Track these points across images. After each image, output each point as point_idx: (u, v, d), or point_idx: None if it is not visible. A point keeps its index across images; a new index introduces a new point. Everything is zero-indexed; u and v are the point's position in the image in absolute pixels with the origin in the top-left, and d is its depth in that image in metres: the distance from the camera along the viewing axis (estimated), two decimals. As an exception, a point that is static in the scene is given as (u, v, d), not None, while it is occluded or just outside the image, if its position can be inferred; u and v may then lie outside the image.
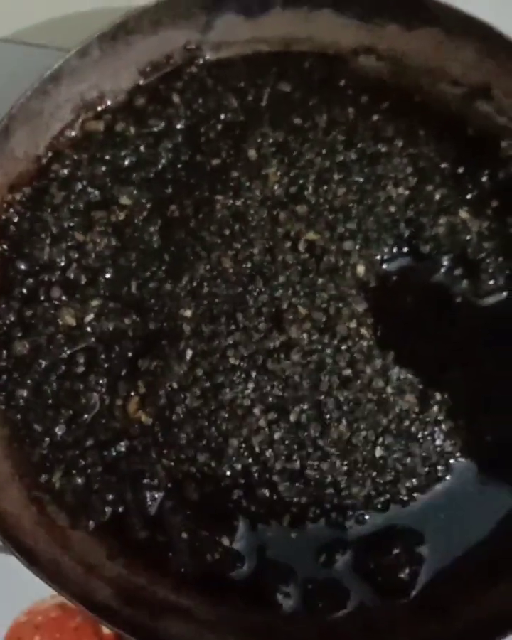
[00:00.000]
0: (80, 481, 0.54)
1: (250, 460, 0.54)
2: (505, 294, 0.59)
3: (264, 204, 0.60)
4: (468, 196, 0.61)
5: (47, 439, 0.55)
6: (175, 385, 0.55)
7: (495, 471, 0.55)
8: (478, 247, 0.60)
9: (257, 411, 0.54)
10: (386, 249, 0.60)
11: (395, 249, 0.60)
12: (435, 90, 0.64)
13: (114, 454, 0.54)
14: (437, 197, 0.61)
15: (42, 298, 0.57)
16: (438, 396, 0.56)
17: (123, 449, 0.54)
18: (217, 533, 0.52)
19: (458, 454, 0.55)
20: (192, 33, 0.64)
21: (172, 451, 0.54)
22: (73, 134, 0.62)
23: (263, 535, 0.53)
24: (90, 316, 0.57)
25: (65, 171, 0.61)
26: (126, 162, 0.61)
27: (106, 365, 0.56)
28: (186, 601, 0.52)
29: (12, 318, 0.57)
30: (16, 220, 0.59)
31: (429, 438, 0.55)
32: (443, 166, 0.62)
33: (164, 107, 0.63)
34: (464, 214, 0.60)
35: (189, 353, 0.55)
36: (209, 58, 0.65)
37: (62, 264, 0.58)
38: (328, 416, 0.54)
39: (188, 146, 0.62)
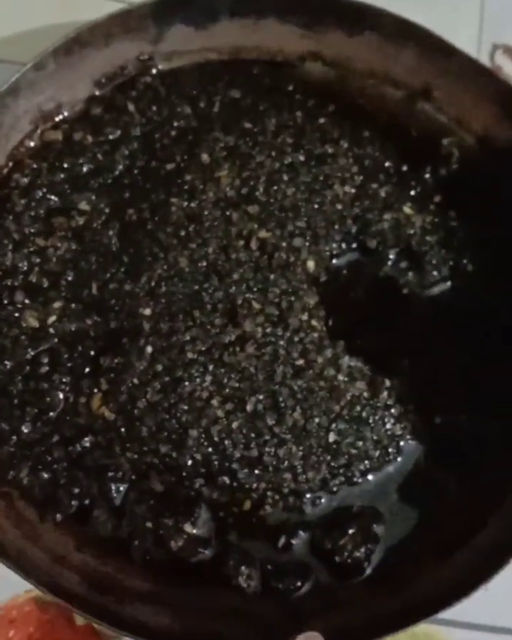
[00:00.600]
0: (46, 476, 0.55)
1: (210, 449, 0.55)
2: (448, 284, 0.62)
3: (217, 205, 0.62)
4: (412, 193, 0.64)
5: (14, 436, 0.56)
6: (136, 381, 0.57)
7: (443, 452, 0.57)
8: (422, 241, 0.62)
9: (215, 402, 0.56)
10: (335, 245, 0.62)
11: (343, 245, 0.62)
12: (378, 93, 0.67)
13: (79, 449, 0.56)
14: (382, 194, 0.64)
15: (5, 302, 0.59)
16: (387, 382, 0.58)
17: (88, 444, 0.56)
18: (180, 521, 0.54)
19: (408, 437, 0.58)
20: (144, 45, 0.66)
21: (135, 444, 0.56)
22: (33, 143, 0.64)
23: (224, 520, 0.55)
24: (53, 318, 0.59)
25: (26, 180, 0.62)
26: (85, 169, 0.63)
27: (69, 364, 0.58)
28: (152, 586, 0.54)
29: (-24, 323, 0.58)
30: (-22, 228, 0.61)
31: (379, 422, 0.57)
32: (387, 164, 0.65)
33: (120, 115, 0.65)
34: (408, 210, 0.63)
35: (149, 349, 0.57)
36: (162, 68, 0.67)
37: (25, 268, 0.60)
38: (283, 405, 0.56)
39: (144, 153, 0.64)
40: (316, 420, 0.56)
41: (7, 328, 0.58)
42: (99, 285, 0.60)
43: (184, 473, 0.55)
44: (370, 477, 0.57)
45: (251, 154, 0.64)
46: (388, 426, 0.57)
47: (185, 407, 0.56)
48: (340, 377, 0.58)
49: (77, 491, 0.55)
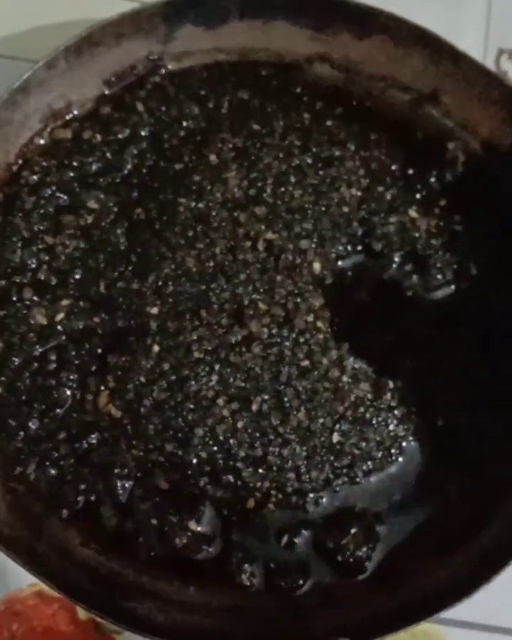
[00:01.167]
0: (53, 472, 0.56)
1: (215, 448, 0.56)
2: (452, 287, 0.63)
3: (224, 206, 0.62)
4: (418, 196, 0.65)
5: (21, 433, 0.56)
6: (142, 379, 0.57)
7: (445, 453, 0.58)
8: (427, 244, 0.63)
9: (220, 401, 0.57)
10: (340, 247, 0.63)
11: (349, 247, 0.63)
12: (386, 96, 0.68)
13: (86, 446, 0.56)
14: (388, 197, 0.64)
15: (14, 299, 0.59)
16: (391, 384, 0.59)
17: (94, 441, 0.56)
18: (185, 518, 0.54)
19: (410, 438, 0.58)
20: (154, 44, 0.66)
21: (141, 441, 0.56)
22: (42, 141, 0.64)
23: (228, 518, 0.56)
24: (61, 315, 0.59)
25: (35, 177, 0.63)
26: (93, 168, 0.64)
27: (76, 362, 0.58)
28: (156, 583, 0.54)
29: (-15, 319, 0.58)
30: (-13, 225, 0.61)
31: (382, 423, 0.58)
32: (393, 167, 0.65)
33: (129, 115, 0.65)
34: (413, 213, 0.64)
35: (156, 348, 0.58)
36: (171, 68, 0.67)
37: (33, 266, 0.60)
38: (287, 405, 0.57)
39: (152, 152, 0.65)
40: (320, 421, 0.57)
41: (15, 325, 0.58)
42: (106, 283, 0.60)
43: (189, 472, 0.56)
44: (372, 477, 0.57)
45: (259, 156, 0.64)
46: (391, 427, 0.58)
47: (191, 406, 0.57)
48: (345, 379, 0.58)
49: (83, 487, 0.56)
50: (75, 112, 0.65)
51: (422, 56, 0.66)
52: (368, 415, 0.58)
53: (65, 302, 0.59)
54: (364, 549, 0.55)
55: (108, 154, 0.64)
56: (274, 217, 0.62)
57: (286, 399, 0.57)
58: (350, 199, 0.63)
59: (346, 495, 0.57)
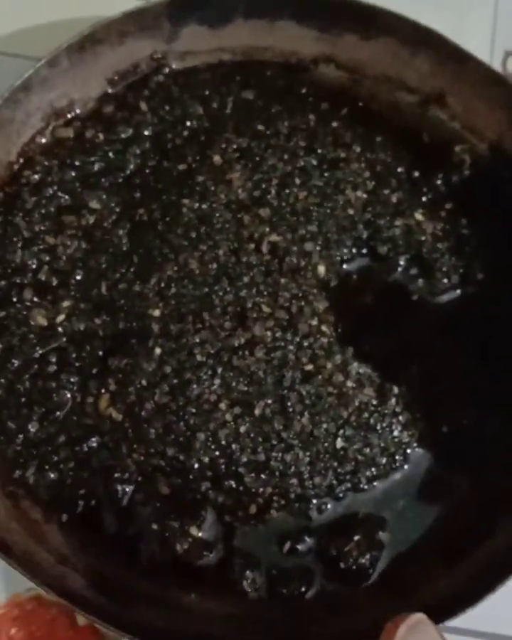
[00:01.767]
0: (53, 476, 0.55)
1: (217, 453, 0.55)
2: (458, 291, 0.62)
3: (228, 207, 0.62)
4: (424, 199, 0.64)
5: (20, 436, 0.56)
6: (144, 382, 0.56)
7: (450, 460, 0.57)
8: (433, 248, 0.62)
9: (223, 406, 0.56)
10: (345, 250, 0.62)
11: (354, 250, 0.62)
12: (392, 98, 0.67)
13: (86, 449, 0.56)
14: (394, 200, 0.64)
15: (14, 300, 0.58)
16: (395, 389, 0.58)
17: (94, 445, 0.56)
18: (186, 524, 0.54)
19: (415, 444, 0.58)
20: (158, 43, 0.66)
21: (142, 445, 0.56)
22: (44, 140, 0.64)
23: (230, 524, 0.55)
24: (61, 317, 0.58)
25: (36, 177, 0.62)
26: (96, 167, 0.63)
27: (77, 364, 0.57)
28: (157, 589, 0.54)
29: (-15, 320, 0.58)
30: (-12, 224, 0.61)
31: (387, 429, 0.57)
32: (399, 170, 0.65)
33: (132, 114, 0.65)
34: (419, 216, 0.63)
35: (157, 351, 0.57)
36: (175, 67, 0.67)
37: (34, 266, 0.60)
38: (291, 410, 0.56)
39: (156, 152, 0.64)
40: (324, 426, 0.57)
41: (15, 326, 0.58)
42: (108, 285, 0.60)
43: (191, 476, 0.55)
44: (376, 484, 0.57)
45: (263, 157, 0.63)
46: (395, 433, 0.58)
47: (193, 410, 0.56)
48: (349, 384, 0.58)
49: (83, 491, 0.55)
50: (78, 111, 0.65)
51: (429, 58, 0.65)
52: (372, 421, 0.57)
53: (66, 303, 0.59)
54: (367, 556, 0.54)
55: (110, 154, 0.64)
56: (279, 219, 0.61)
57: (289, 403, 0.57)
58: (356, 201, 0.63)
59: (350, 501, 0.56)
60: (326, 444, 0.56)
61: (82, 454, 0.56)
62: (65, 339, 0.58)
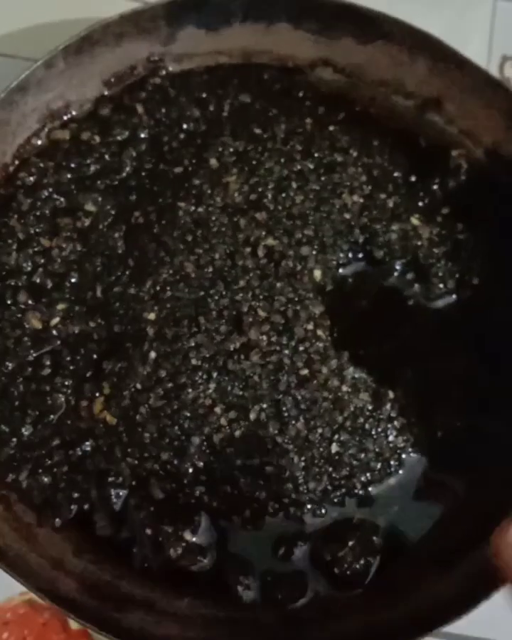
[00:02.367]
0: (46, 479, 0.55)
1: (212, 457, 0.55)
2: (454, 296, 0.62)
3: (225, 211, 0.61)
4: (420, 204, 0.64)
5: (14, 439, 0.55)
6: (139, 386, 0.56)
7: (444, 464, 0.57)
8: (429, 253, 0.62)
9: (218, 410, 0.56)
10: (342, 255, 0.62)
11: (350, 255, 0.62)
12: (389, 102, 0.67)
13: (80, 453, 0.55)
14: (390, 205, 0.63)
15: (8, 302, 0.58)
16: (391, 394, 0.58)
17: (88, 449, 0.55)
18: (180, 528, 0.53)
19: (410, 449, 0.58)
20: (155, 46, 0.65)
21: (136, 449, 0.55)
22: (39, 142, 0.64)
23: (224, 529, 0.55)
24: (56, 320, 0.58)
25: (32, 179, 0.62)
26: (91, 170, 0.63)
27: (71, 367, 0.57)
28: (150, 594, 0.53)
29: (-22, 323, 0.58)
30: (-18, 227, 0.60)
31: (382, 434, 0.57)
32: (396, 174, 0.65)
33: (128, 116, 0.64)
34: (415, 221, 0.63)
35: (152, 354, 0.57)
36: (172, 70, 0.67)
37: (29, 269, 0.59)
38: (286, 414, 0.56)
39: (152, 155, 0.64)
40: (319, 431, 0.56)
41: (10, 329, 0.58)
42: (103, 288, 0.60)
43: (185, 481, 0.55)
44: (371, 489, 0.56)
45: (260, 160, 0.63)
46: (390, 438, 0.57)
47: (188, 414, 0.56)
48: (344, 388, 0.57)
49: (76, 495, 0.55)
50: (74, 113, 0.65)
51: (426, 62, 0.65)
52: (367, 426, 0.57)
53: (60, 306, 0.59)
54: (361, 561, 0.54)
55: (106, 156, 0.63)
56: (275, 223, 0.61)
57: (284, 408, 0.56)
58: (352, 206, 0.63)
59: (344, 507, 0.56)
60: (320, 449, 0.56)
61: (75, 457, 0.55)
62: (59, 342, 0.58)
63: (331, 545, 0.54)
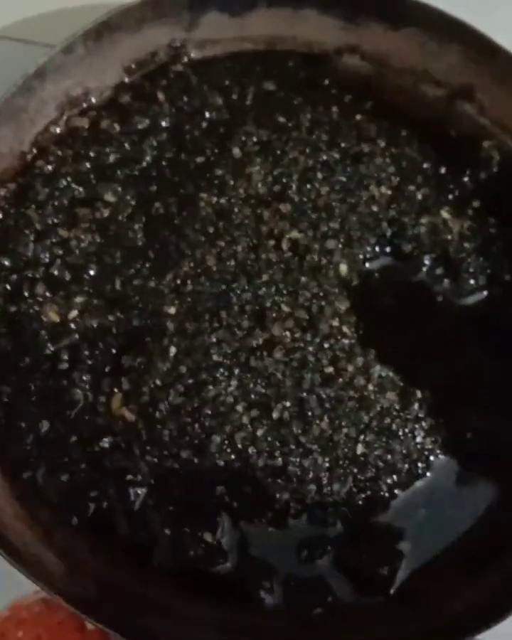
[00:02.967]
0: (63, 477, 0.54)
1: (233, 457, 0.54)
2: (485, 293, 0.60)
3: (247, 202, 0.60)
4: (450, 196, 0.62)
5: (31, 435, 0.54)
6: (158, 382, 0.55)
7: (475, 468, 0.56)
8: (460, 247, 0.60)
9: (239, 408, 0.55)
10: (368, 248, 0.60)
11: (377, 249, 0.60)
12: (418, 91, 0.65)
13: (98, 450, 0.54)
14: (419, 197, 0.61)
15: (26, 294, 0.57)
16: (419, 394, 0.56)
17: (106, 446, 0.54)
18: (200, 529, 0.52)
19: (438, 451, 0.56)
20: (177, 31, 0.64)
21: (155, 447, 0.54)
22: (58, 130, 0.62)
23: (245, 531, 0.53)
24: (74, 313, 0.57)
25: (50, 168, 0.60)
26: (111, 159, 0.61)
27: (90, 362, 0.56)
28: (169, 596, 0.52)
29: (-5, 315, 0.56)
30: None
31: (409, 435, 0.56)
32: (425, 166, 0.63)
33: (149, 104, 0.63)
34: (445, 214, 0.61)
35: (173, 350, 0.56)
36: (194, 56, 0.65)
37: (46, 260, 0.58)
38: (310, 413, 0.55)
39: (173, 144, 0.62)
40: (344, 431, 0.55)
41: (27, 322, 0.56)
42: (122, 280, 0.58)
43: (205, 480, 0.54)
44: (397, 492, 0.55)
45: (284, 150, 0.61)
46: (418, 439, 0.56)
47: (209, 412, 0.55)
48: (370, 387, 0.56)
49: (94, 493, 0.54)
50: (93, 100, 0.63)
51: (457, 50, 0.63)
52: (394, 426, 0.56)
53: (78, 299, 0.57)
54: (386, 567, 0.53)
55: (126, 145, 0.62)
56: (300, 215, 0.60)
57: (308, 407, 0.55)
58: (380, 198, 0.61)
59: (370, 509, 0.54)
60: (345, 450, 0.55)
61: (93, 455, 0.54)
62: (77, 336, 0.57)
63: (355, 550, 0.53)
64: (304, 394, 0.55)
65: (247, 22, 0.65)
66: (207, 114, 0.63)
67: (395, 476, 0.55)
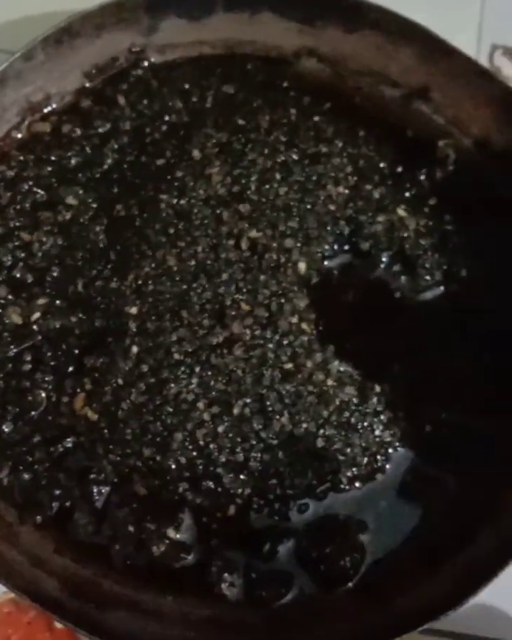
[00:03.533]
0: (27, 477, 0.54)
1: (195, 453, 0.54)
2: (442, 288, 0.61)
3: (207, 203, 0.60)
4: (407, 195, 0.63)
5: (-6, 436, 0.55)
6: (120, 382, 0.55)
7: (432, 459, 0.56)
8: (416, 244, 0.61)
9: (201, 405, 0.55)
10: (327, 247, 0.61)
11: (335, 247, 0.61)
12: (375, 92, 0.66)
13: (61, 450, 0.55)
14: (376, 195, 0.62)
15: (-11, 297, 0.57)
16: (377, 388, 0.57)
17: (70, 445, 0.55)
18: (163, 526, 0.53)
19: (397, 444, 0.57)
20: (136, 36, 0.64)
21: (118, 446, 0.55)
22: (20, 135, 0.63)
23: (208, 526, 0.54)
24: (37, 315, 0.57)
25: (12, 172, 0.61)
26: (73, 162, 0.62)
27: (52, 363, 0.56)
28: (132, 592, 0.53)
29: (-42, 318, 0.57)
30: (-38, 221, 0.59)
31: (368, 429, 0.56)
32: (382, 165, 0.64)
33: (110, 108, 0.63)
34: (402, 212, 0.62)
35: (134, 349, 0.56)
36: (154, 61, 0.66)
37: (9, 263, 0.58)
38: (270, 409, 0.55)
39: (134, 147, 0.63)
40: (304, 426, 0.56)
41: (-10, 325, 0.57)
42: (85, 282, 0.59)
43: (168, 477, 0.54)
44: (357, 484, 0.56)
45: (243, 151, 0.62)
46: (377, 432, 0.57)
47: (170, 410, 0.55)
48: (329, 382, 0.57)
49: (58, 492, 0.54)
50: (54, 105, 0.64)
51: (413, 51, 0.64)
52: (353, 420, 0.56)
53: (41, 301, 0.58)
54: (347, 559, 0.53)
55: (88, 149, 0.62)
56: (259, 215, 0.60)
57: (268, 403, 0.56)
58: (337, 197, 0.62)
59: (330, 503, 0.55)
60: (306, 444, 0.55)
61: (57, 454, 0.55)
62: (40, 337, 0.57)
63: (317, 542, 0.54)
64: (264, 390, 0.56)
65: (206, 26, 0.66)
66: (167, 117, 0.64)
67: (355, 469, 0.56)
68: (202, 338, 0.57)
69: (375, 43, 0.65)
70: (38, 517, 0.54)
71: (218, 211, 0.60)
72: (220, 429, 0.55)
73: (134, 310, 0.57)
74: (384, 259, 0.61)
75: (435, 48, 0.63)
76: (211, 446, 0.55)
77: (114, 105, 0.64)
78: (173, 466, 0.54)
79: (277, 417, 0.55)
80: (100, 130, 0.63)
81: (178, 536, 0.53)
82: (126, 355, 0.56)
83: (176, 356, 0.56)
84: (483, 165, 0.64)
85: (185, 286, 0.58)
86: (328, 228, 0.61)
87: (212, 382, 0.56)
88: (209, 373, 0.56)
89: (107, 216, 0.60)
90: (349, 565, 0.53)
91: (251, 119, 0.64)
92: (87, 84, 0.65)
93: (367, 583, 0.53)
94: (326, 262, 0.61)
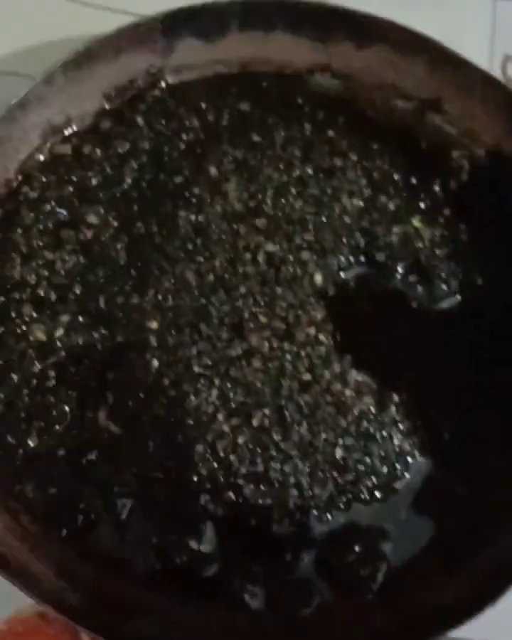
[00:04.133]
0: (52, 490, 0.55)
1: (215, 465, 0.55)
2: (458, 297, 0.61)
3: (224, 218, 0.61)
4: (421, 205, 0.63)
5: (20, 450, 0.56)
6: (142, 395, 0.56)
7: (451, 468, 0.56)
8: (432, 254, 0.62)
9: (220, 417, 0.56)
10: (343, 259, 0.61)
11: (351, 259, 0.62)
12: (388, 105, 0.67)
13: (85, 463, 0.55)
14: (391, 207, 0.63)
15: (13, 315, 0.59)
16: (395, 397, 0.58)
17: (93, 458, 0.56)
18: (185, 537, 0.53)
19: (416, 453, 0.57)
20: (153, 58, 0.66)
21: (141, 458, 0.55)
22: (42, 157, 0.64)
23: (229, 537, 0.54)
24: (60, 331, 0.58)
25: (35, 193, 0.62)
26: (93, 182, 0.63)
27: (76, 378, 0.57)
28: (155, 603, 0.53)
29: (-16, 336, 0.58)
30: (-13, 242, 0.61)
31: (387, 438, 0.57)
32: (396, 177, 0.64)
33: (129, 129, 0.65)
34: (417, 223, 0.62)
35: (155, 363, 0.57)
36: (171, 81, 0.67)
37: (33, 282, 0.60)
38: (289, 419, 0.56)
39: (152, 166, 0.64)
40: (323, 436, 0.56)
41: (15, 342, 0.58)
42: (106, 298, 0.60)
43: (189, 489, 0.55)
44: (377, 494, 0.56)
45: (259, 167, 0.63)
46: (396, 441, 0.57)
47: (191, 422, 0.56)
48: (348, 392, 0.57)
49: (82, 505, 0.55)
50: (75, 127, 0.65)
51: (424, 64, 0.65)
52: (371, 430, 0.57)
53: (64, 318, 0.59)
54: (368, 568, 0.53)
55: (108, 169, 0.64)
56: (275, 228, 0.61)
57: (287, 413, 0.56)
58: (352, 209, 0.62)
59: (351, 512, 0.55)
60: (325, 454, 0.56)
61: (81, 467, 0.55)
62: (63, 353, 0.58)
63: (338, 552, 0.54)
64: (283, 401, 0.56)
65: (221, 46, 0.67)
66: (184, 136, 0.65)
67: (374, 478, 0.56)
68: (221, 351, 0.57)
69: (387, 57, 0.66)
70: (63, 530, 0.54)
71: (235, 226, 0.61)
72: (240, 440, 0.55)
73: (154, 325, 0.59)
74: (400, 269, 0.62)
75: (446, 60, 0.64)
76: (231, 457, 0.55)
77: (133, 126, 0.65)
78: (195, 478, 0.55)
79: (296, 427, 0.56)
80: (119, 150, 0.64)
81: (200, 547, 0.54)
82: (147, 369, 0.57)
83: (196, 369, 0.57)
84: (497, 174, 0.64)
85: (203, 300, 0.59)
86: (344, 240, 0.62)
87: (231, 394, 0.56)
88: (228, 385, 0.57)
89: (127, 234, 0.62)
90: (369, 574, 0.53)
91: (266, 136, 0.65)
92: (107, 106, 0.66)
93: (387, 590, 0.53)
94: (342, 274, 0.62)
